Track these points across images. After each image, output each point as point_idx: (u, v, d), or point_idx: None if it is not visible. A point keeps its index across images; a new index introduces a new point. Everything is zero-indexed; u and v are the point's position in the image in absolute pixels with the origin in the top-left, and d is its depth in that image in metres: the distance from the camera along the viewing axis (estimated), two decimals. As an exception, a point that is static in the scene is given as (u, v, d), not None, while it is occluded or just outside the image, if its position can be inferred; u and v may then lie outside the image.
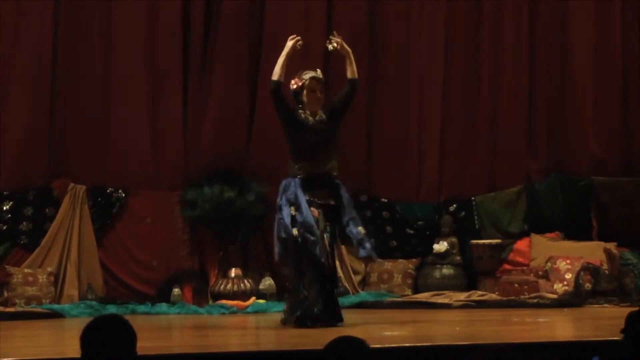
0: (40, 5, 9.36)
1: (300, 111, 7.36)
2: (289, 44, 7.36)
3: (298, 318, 7.14)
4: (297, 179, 7.24)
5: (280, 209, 7.28)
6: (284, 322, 7.36)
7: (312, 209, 7.17)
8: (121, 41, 9.51)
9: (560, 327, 7.92)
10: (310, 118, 7.35)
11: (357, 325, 7.18)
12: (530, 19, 10.27)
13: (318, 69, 7.52)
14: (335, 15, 9.94)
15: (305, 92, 7.36)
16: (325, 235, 7.16)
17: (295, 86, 7.37)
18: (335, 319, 7.20)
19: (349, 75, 7.45)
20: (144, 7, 9.59)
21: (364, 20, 10.05)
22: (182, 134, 9.70)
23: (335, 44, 7.39)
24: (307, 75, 7.39)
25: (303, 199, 7.16)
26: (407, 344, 6.12)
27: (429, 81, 10.17)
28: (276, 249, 7.42)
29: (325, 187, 7.30)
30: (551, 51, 10.29)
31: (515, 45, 10.22)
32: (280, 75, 7.28)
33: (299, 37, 7.40)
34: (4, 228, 9.23)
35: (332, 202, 7.31)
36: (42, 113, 9.38)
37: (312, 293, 7.11)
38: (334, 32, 7.51)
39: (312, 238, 7.04)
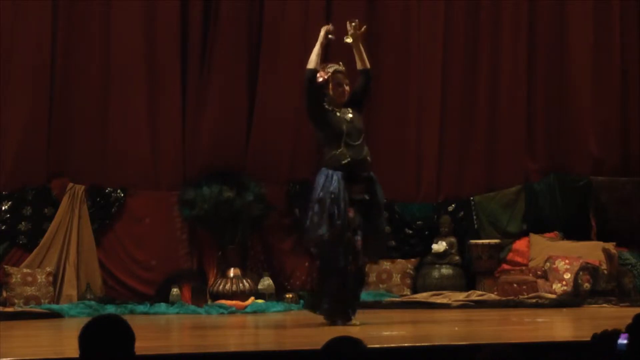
0: (38, 5, 9.36)
1: (324, 104, 7.38)
2: (322, 33, 7.34)
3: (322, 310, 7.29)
4: (338, 173, 7.19)
5: (320, 201, 7.17)
6: (314, 310, 7.46)
7: (349, 209, 7.17)
8: (119, 41, 9.51)
9: (559, 327, 7.92)
10: (336, 109, 7.36)
11: (356, 325, 7.18)
12: (529, 19, 10.28)
13: (340, 62, 7.50)
14: (334, 16, 9.94)
15: (330, 85, 7.36)
16: (357, 235, 7.18)
17: (321, 79, 7.37)
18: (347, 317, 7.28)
19: (360, 66, 7.44)
20: (142, 7, 9.59)
21: (362, 21, 10.02)
22: (181, 134, 9.70)
23: (350, 39, 7.38)
24: (332, 68, 7.40)
25: (342, 196, 7.13)
26: (406, 344, 6.12)
27: (427, 81, 10.17)
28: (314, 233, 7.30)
29: (361, 181, 7.30)
30: (550, 51, 10.29)
31: (513, 45, 10.22)
32: (316, 64, 7.26)
33: (330, 26, 7.37)
34: (3, 228, 9.22)
35: (367, 197, 7.31)
36: (41, 113, 9.37)
37: (328, 290, 7.22)
38: (355, 23, 7.42)
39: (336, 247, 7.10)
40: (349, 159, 7.22)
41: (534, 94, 10.28)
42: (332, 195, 7.10)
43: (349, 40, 7.39)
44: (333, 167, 7.22)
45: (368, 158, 7.36)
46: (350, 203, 7.17)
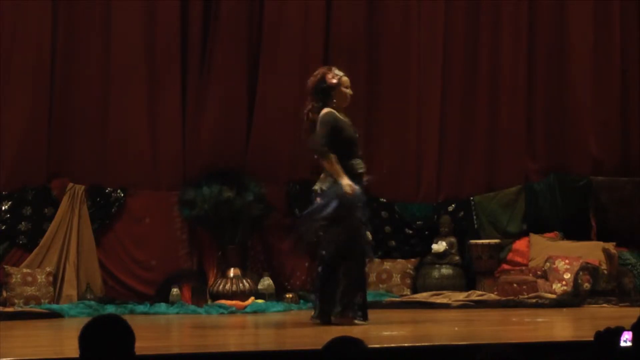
0: (38, 5, 9.36)
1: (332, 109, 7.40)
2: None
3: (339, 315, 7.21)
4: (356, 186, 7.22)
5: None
6: (316, 318, 7.37)
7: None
8: (119, 41, 9.51)
9: (559, 327, 7.92)
10: (342, 115, 7.38)
11: (356, 325, 7.18)
12: (529, 19, 10.27)
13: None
14: (334, 15, 9.95)
15: (341, 88, 7.37)
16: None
17: (334, 81, 7.35)
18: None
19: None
20: (142, 7, 9.59)
21: (362, 21, 10.05)
22: (181, 134, 9.70)
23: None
24: (341, 72, 7.42)
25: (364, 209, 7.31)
26: (406, 344, 6.12)
27: (427, 81, 10.16)
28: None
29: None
30: (550, 51, 10.29)
31: (514, 46, 10.22)
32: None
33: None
34: (3, 228, 9.22)
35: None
36: (41, 113, 9.37)
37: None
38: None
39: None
40: (363, 169, 7.27)
41: (534, 94, 10.28)
42: (360, 204, 7.21)
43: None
44: (349, 176, 7.22)
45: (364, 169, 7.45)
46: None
